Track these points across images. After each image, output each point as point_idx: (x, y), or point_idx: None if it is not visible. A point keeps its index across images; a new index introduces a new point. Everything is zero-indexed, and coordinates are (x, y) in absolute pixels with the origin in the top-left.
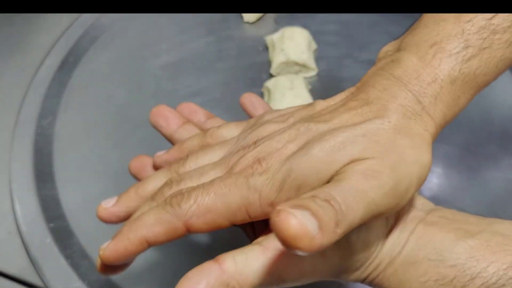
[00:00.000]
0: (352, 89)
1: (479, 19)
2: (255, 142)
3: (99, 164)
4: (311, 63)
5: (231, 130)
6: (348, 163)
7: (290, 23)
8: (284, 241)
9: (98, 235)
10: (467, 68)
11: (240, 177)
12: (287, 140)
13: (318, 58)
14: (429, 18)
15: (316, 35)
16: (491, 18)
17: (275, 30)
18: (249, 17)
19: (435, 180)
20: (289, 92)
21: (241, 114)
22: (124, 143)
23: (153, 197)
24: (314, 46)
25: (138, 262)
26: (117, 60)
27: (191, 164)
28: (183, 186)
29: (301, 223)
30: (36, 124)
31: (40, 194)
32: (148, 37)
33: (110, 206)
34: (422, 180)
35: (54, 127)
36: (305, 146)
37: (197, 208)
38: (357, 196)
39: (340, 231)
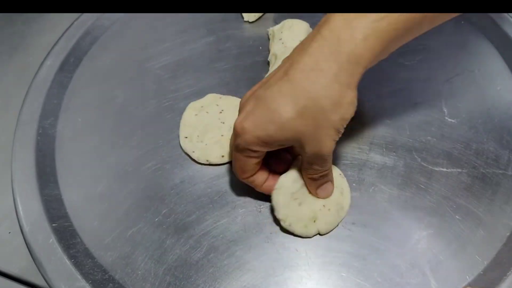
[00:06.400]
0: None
1: None
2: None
3: (101, 163)
4: None
5: None
6: None
7: None
8: None
9: (101, 234)
10: (378, 26)
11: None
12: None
13: None
14: None
15: None
16: None
17: None
18: (249, 16)
19: (436, 177)
20: None
21: None
22: (125, 142)
23: None
24: None
25: (140, 261)
26: (117, 60)
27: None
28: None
29: None
30: (38, 125)
31: (42, 194)
32: (149, 37)
33: None
34: None
35: (55, 127)
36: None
37: None
38: None
39: None
